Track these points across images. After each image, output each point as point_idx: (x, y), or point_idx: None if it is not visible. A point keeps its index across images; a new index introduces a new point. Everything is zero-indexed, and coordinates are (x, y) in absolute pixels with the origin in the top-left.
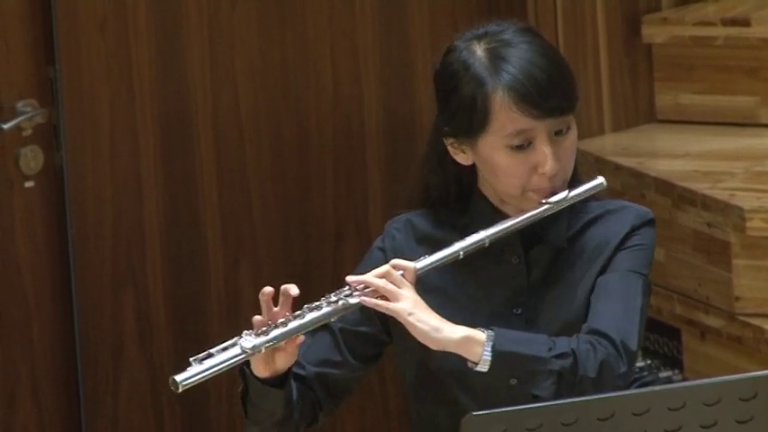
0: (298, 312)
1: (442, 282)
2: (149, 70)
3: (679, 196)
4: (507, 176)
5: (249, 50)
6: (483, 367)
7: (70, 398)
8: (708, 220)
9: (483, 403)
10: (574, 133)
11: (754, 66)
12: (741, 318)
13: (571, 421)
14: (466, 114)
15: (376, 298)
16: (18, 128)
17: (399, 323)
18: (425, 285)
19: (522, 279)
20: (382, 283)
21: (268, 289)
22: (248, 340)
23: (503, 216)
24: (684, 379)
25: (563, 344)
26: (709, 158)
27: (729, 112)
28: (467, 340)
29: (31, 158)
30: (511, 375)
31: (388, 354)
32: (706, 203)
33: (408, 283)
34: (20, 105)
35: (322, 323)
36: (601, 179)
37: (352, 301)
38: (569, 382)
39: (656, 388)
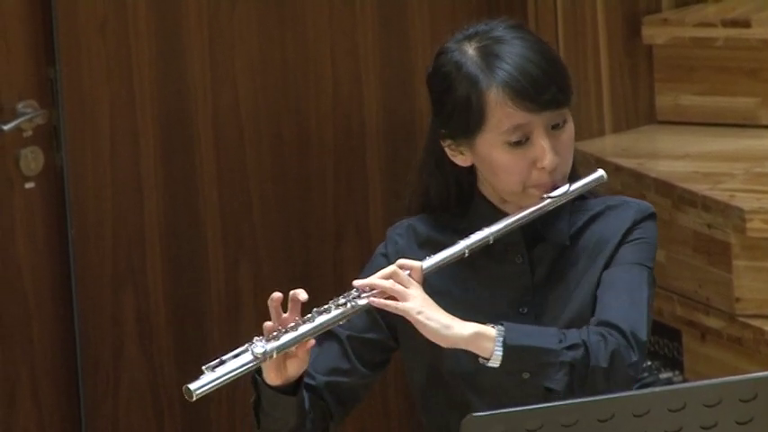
0: (307, 316)
1: (447, 284)
2: (149, 71)
3: (679, 197)
4: (507, 174)
5: (249, 51)
6: (495, 362)
7: (70, 398)
8: (708, 222)
9: (495, 405)
10: (570, 127)
11: (755, 67)
12: (741, 319)
13: (571, 422)
14: (462, 114)
15: (384, 298)
16: (18, 129)
17: (407, 329)
18: (430, 289)
19: (527, 279)
20: (389, 284)
21: (277, 295)
22: (259, 346)
23: (504, 216)
24: (685, 380)
25: (573, 335)
26: (710, 159)
27: (729, 114)
28: (477, 336)
29: (32, 159)
30: (523, 369)
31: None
32: (706, 204)
33: (416, 283)
34: (20, 106)
35: (332, 326)
36: (601, 172)
37: (361, 302)
38: (581, 373)
39: (657, 389)
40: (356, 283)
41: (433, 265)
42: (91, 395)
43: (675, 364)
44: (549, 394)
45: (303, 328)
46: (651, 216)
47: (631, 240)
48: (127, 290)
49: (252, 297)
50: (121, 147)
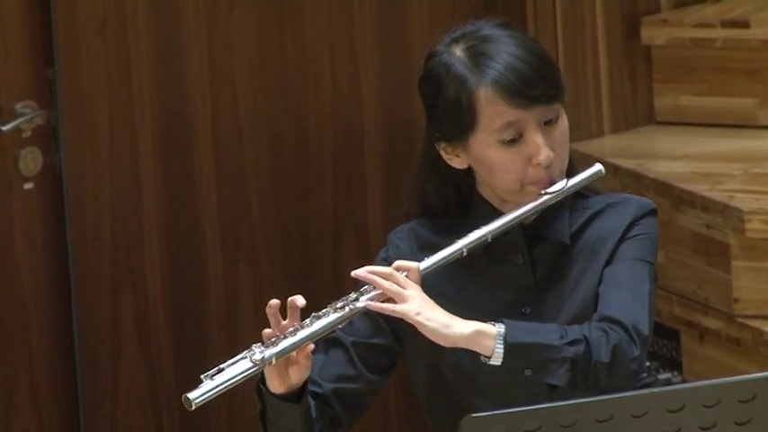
0: (305, 321)
1: (448, 287)
2: (148, 71)
3: (678, 198)
4: (503, 172)
5: (248, 51)
6: (496, 360)
7: (69, 399)
8: (707, 222)
9: (498, 405)
10: (564, 122)
11: (754, 67)
12: (740, 319)
13: (570, 423)
14: (453, 116)
15: (382, 301)
16: (17, 129)
17: (409, 331)
18: (431, 291)
19: (528, 279)
20: (387, 284)
21: (274, 302)
22: (258, 353)
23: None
24: (683, 380)
25: (575, 331)
26: (709, 160)
27: (728, 114)
28: (478, 334)
29: (30, 160)
30: (525, 366)
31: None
32: (705, 205)
33: (413, 284)
34: (19, 107)
35: (330, 331)
36: (599, 166)
37: (359, 305)
38: (583, 368)
39: (656, 390)
40: (355, 273)
41: (430, 266)
42: (89, 396)
43: (674, 364)
44: (553, 392)
45: (301, 334)
46: (652, 212)
47: (632, 237)
48: (126, 290)
49: (251, 297)
50: (120, 147)
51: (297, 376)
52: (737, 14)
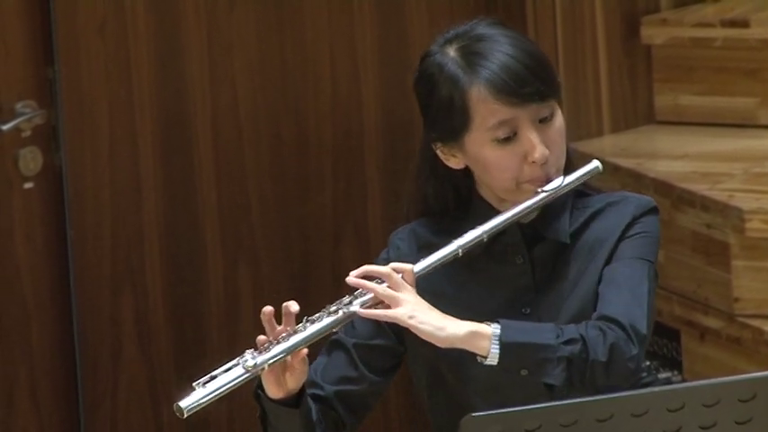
0: (298, 326)
1: (448, 287)
2: (148, 71)
3: (678, 197)
4: (499, 171)
5: (248, 51)
6: (492, 360)
7: (69, 399)
8: (707, 222)
9: (497, 405)
10: (559, 119)
11: (754, 67)
12: (740, 319)
13: (570, 422)
14: (447, 115)
15: (376, 304)
16: (17, 129)
17: (410, 332)
18: (431, 291)
19: (528, 279)
20: (381, 288)
21: (268, 309)
22: (250, 359)
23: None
24: (683, 380)
25: (571, 330)
26: (708, 159)
27: (728, 114)
28: (473, 335)
29: (30, 159)
30: (521, 366)
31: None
32: (705, 204)
33: (408, 286)
34: (19, 106)
35: (324, 335)
36: (595, 163)
37: (352, 309)
38: (580, 367)
39: (656, 389)
40: (349, 279)
41: (425, 268)
42: (90, 396)
43: (674, 363)
44: (550, 391)
45: (294, 339)
46: (652, 210)
47: (631, 235)
48: (126, 290)
49: (251, 297)
50: (120, 147)
51: (294, 381)
52: (737, 14)
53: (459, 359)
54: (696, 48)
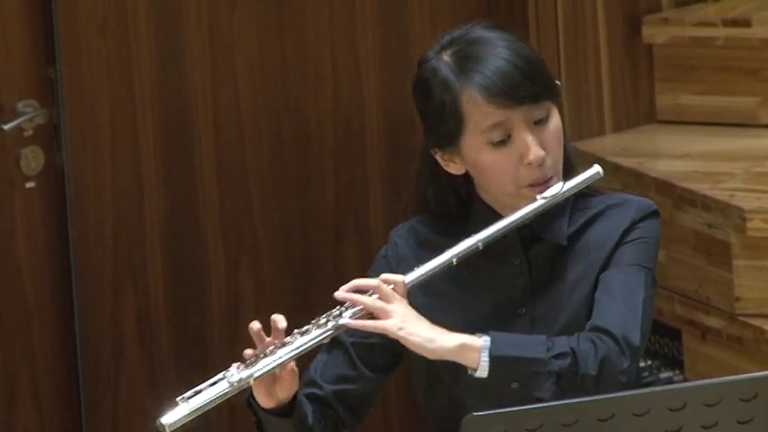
0: (286, 339)
1: (446, 285)
2: (150, 70)
3: (679, 197)
4: (497, 175)
5: (249, 50)
6: (482, 373)
7: (70, 398)
8: (708, 221)
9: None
10: (556, 120)
11: (755, 66)
12: (741, 318)
13: (571, 422)
14: (441, 120)
15: (366, 316)
16: (19, 128)
17: None
18: (429, 289)
19: (525, 280)
20: (370, 301)
21: (255, 326)
22: (236, 374)
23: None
24: (685, 379)
25: (562, 343)
26: (710, 159)
27: (730, 113)
28: (462, 348)
29: (32, 159)
30: (511, 379)
31: None
32: (706, 204)
33: (399, 297)
34: (20, 106)
35: (312, 347)
36: (596, 168)
37: (341, 321)
38: (570, 381)
39: (657, 388)
40: (337, 294)
41: (417, 278)
42: (91, 395)
43: (676, 363)
44: (541, 402)
45: (281, 353)
46: (652, 214)
47: (630, 240)
48: (127, 289)
49: (252, 297)
50: (122, 146)
51: (284, 392)
52: (738, 13)
53: (456, 362)
54: (697, 47)
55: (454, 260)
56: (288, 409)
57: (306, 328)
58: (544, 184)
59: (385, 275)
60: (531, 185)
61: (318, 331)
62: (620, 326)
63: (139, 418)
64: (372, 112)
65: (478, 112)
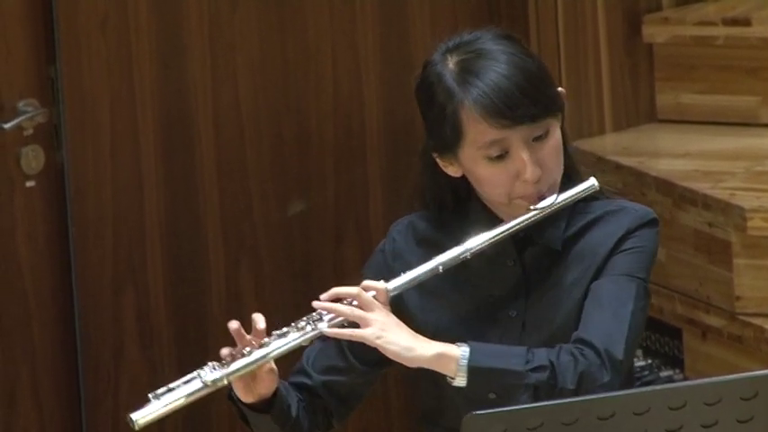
0: (264, 340)
1: (443, 285)
2: (150, 69)
3: (680, 196)
4: (492, 187)
5: (250, 50)
6: (460, 383)
7: (71, 398)
8: (708, 220)
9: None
10: (555, 137)
11: (755, 65)
12: (742, 317)
13: (572, 420)
14: (441, 127)
15: (344, 324)
16: (19, 127)
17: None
18: (426, 288)
19: (519, 282)
20: (348, 310)
21: (234, 324)
22: (210, 373)
23: (499, 221)
24: (685, 378)
25: (541, 356)
26: (710, 158)
27: (730, 112)
28: (441, 357)
29: (32, 158)
30: (488, 390)
31: None
32: (707, 203)
33: (378, 305)
34: (21, 105)
35: (287, 351)
36: (592, 181)
37: (319, 327)
38: (547, 394)
39: (657, 387)
40: (315, 304)
41: (400, 286)
42: (91, 394)
43: (676, 362)
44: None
45: (256, 354)
46: (649, 223)
47: (624, 250)
48: (127, 289)
49: (252, 296)
50: (122, 145)
51: (264, 389)
52: (739, 12)
53: None
54: (698, 46)
55: (440, 268)
56: (267, 405)
57: (285, 330)
58: (537, 199)
59: (366, 282)
60: (524, 198)
61: (296, 335)
62: (605, 338)
63: None
64: (373, 112)
65: (476, 129)
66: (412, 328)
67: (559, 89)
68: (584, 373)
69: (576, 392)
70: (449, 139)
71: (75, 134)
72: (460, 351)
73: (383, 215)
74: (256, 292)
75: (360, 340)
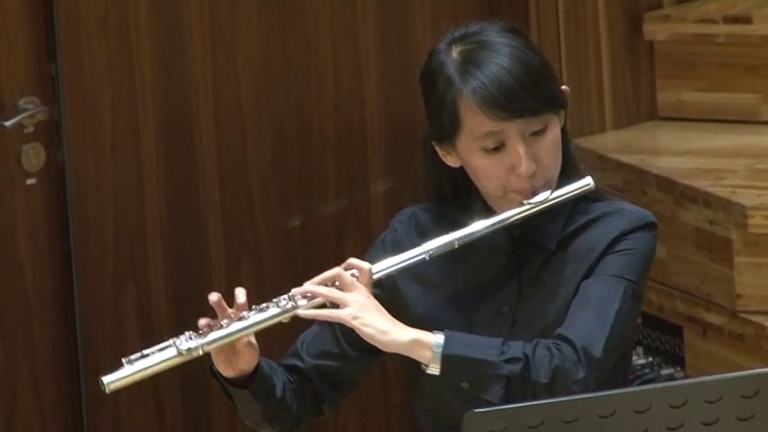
0: (243, 314)
1: (436, 276)
2: (151, 67)
3: (681, 194)
4: (487, 178)
5: (251, 47)
6: (434, 370)
7: (72, 395)
8: (709, 218)
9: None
10: (554, 133)
11: (756, 63)
12: (743, 315)
13: (572, 419)
14: (440, 116)
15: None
16: (20, 125)
17: (403, 317)
18: (421, 280)
19: (513, 279)
20: (326, 291)
21: (215, 296)
22: (185, 342)
23: (495, 215)
24: (686, 376)
25: (517, 348)
26: (711, 156)
27: (731, 110)
28: (415, 343)
29: (33, 156)
30: (461, 379)
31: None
32: (708, 201)
33: (360, 285)
34: (21, 102)
35: (265, 326)
36: (588, 180)
37: (300, 303)
38: (520, 387)
39: (658, 385)
40: (295, 290)
41: (386, 269)
42: (92, 392)
43: (677, 360)
44: (490, 405)
45: (232, 327)
46: (646, 226)
47: (617, 251)
48: (128, 286)
49: (253, 294)
50: (123, 143)
51: (245, 364)
52: (740, 10)
53: None
54: (699, 44)
55: (427, 256)
56: (249, 381)
57: (263, 305)
58: (531, 194)
59: (351, 260)
60: (518, 191)
61: (276, 311)
62: (584, 336)
63: (141, 414)
64: (373, 110)
65: (473, 119)
66: (403, 320)
67: (563, 87)
68: (558, 367)
69: (549, 387)
70: (447, 129)
71: (76, 132)
72: (435, 339)
73: (384, 213)
74: (257, 289)
75: (337, 321)
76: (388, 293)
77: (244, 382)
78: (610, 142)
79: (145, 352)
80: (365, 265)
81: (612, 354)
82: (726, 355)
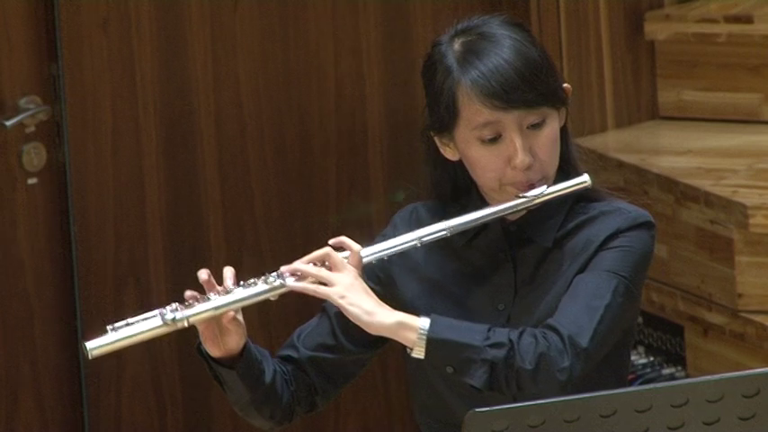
0: (229, 288)
1: (434, 271)
2: (152, 67)
3: (682, 193)
4: (483, 170)
5: (252, 48)
6: (418, 354)
7: (73, 394)
8: (710, 217)
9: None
10: (552, 127)
11: (757, 63)
12: (744, 315)
13: (574, 418)
14: (438, 105)
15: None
16: (21, 125)
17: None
18: (417, 276)
19: (509, 276)
20: (314, 270)
21: (204, 274)
22: (169, 312)
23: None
24: (687, 376)
25: (501, 334)
26: (712, 155)
27: (732, 109)
28: (400, 325)
29: (34, 155)
30: (446, 363)
31: (394, 348)
32: (709, 200)
33: (348, 266)
34: (23, 102)
35: (251, 302)
36: (585, 177)
37: (287, 280)
38: (504, 372)
39: (659, 385)
40: (283, 268)
41: (375, 253)
42: (93, 391)
43: (678, 359)
44: (474, 390)
45: (218, 300)
46: (642, 225)
47: (611, 247)
48: (129, 286)
49: None
50: (123, 143)
51: (233, 343)
52: (741, 10)
53: None
54: (700, 43)
55: (418, 243)
56: (236, 362)
57: (251, 281)
58: (527, 188)
59: (342, 238)
60: (513, 185)
61: (263, 287)
62: (572, 326)
63: (142, 414)
64: (374, 111)
65: (471, 109)
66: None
67: (565, 85)
68: (543, 354)
69: (534, 373)
70: (445, 118)
71: (77, 131)
72: (421, 322)
73: (384, 213)
74: None
75: (323, 297)
76: (384, 288)
77: (231, 363)
78: (611, 142)
79: (130, 320)
80: (355, 245)
81: (600, 346)
82: (727, 354)
